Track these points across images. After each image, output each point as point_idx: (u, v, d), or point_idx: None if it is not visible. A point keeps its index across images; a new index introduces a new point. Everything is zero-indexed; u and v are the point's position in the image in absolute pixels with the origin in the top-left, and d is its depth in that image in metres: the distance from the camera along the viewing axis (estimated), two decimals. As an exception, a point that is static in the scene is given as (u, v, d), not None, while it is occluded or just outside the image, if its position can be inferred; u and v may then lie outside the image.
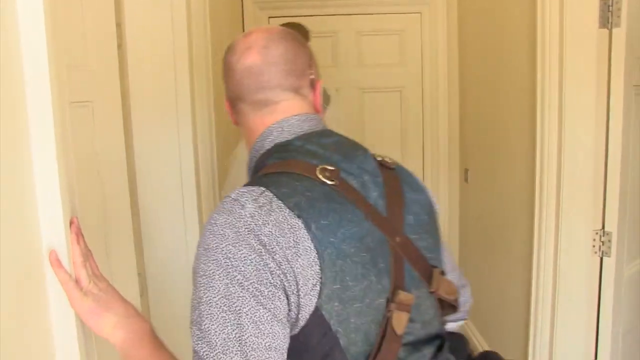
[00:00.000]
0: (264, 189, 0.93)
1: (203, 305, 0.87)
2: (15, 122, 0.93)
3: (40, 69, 0.95)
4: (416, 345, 1.01)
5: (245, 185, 0.97)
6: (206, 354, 0.85)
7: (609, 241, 2.22)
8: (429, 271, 1.06)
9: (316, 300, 0.89)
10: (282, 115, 1.08)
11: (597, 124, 2.24)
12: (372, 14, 3.95)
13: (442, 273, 1.09)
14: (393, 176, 1.10)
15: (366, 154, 1.11)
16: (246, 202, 0.91)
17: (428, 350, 1.04)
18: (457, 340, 1.18)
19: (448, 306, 1.10)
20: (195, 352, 0.87)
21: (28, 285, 0.96)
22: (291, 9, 3.91)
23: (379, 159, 1.13)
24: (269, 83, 1.08)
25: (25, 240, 0.95)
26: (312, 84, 1.15)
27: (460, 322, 1.27)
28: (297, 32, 1.18)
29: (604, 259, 2.25)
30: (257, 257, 0.87)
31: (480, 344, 3.57)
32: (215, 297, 0.86)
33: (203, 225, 0.94)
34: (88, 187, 1.69)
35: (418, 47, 4.00)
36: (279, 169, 0.99)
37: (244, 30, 3.79)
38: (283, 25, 1.20)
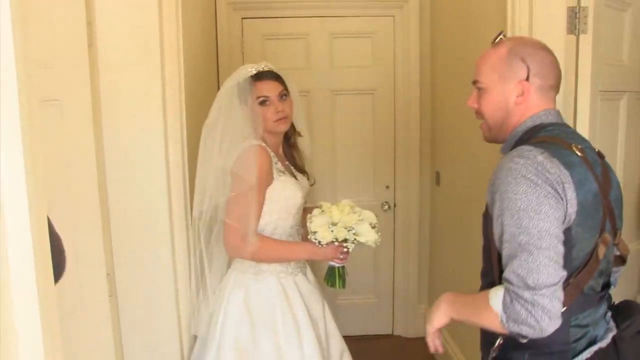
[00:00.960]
0: (543, 150, 1.43)
1: (522, 212, 1.38)
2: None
3: (7, 66, 0.94)
4: (600, 273, 1.52)
5: (529, 145, 1.47)
6: (527, 241, 1.36)
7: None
8: (615, 230, 1.56)
9: (571, 223, 1.41)
10: (552, 105, 1.62)
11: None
12: (344, 16, 3.95)
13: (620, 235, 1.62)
14: (604, 162, 1.60)
15: (589, 143, 1.62)
16: (537, 154, 1.42)
17: (603, 281, 1.55)
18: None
19: (619, 260, 1.64)
20: (522, 242, 1.37)
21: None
22: (265, 10, 3.90)
23: (597, 149, 1.63)
24: (559, 81, 1.64)
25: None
26: None
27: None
28: None
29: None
30: (550, 185, 1.39)
31: (449, 345, 3.60)
32: (531, 205, 1.37)
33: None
34: (57, 186, 1.67)
35: (390, 50, 4.01)
36: (549, 139, 1.49)
37: (217, 31, 3.79)
38: None
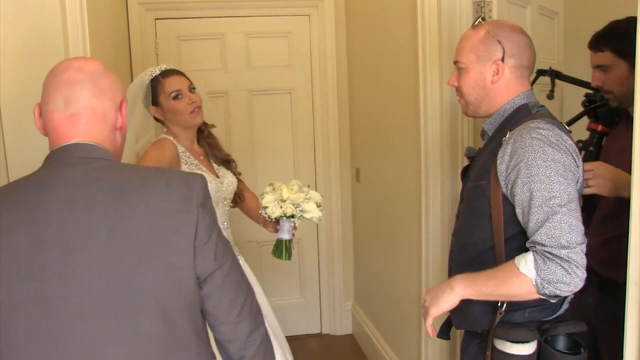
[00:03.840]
0: (553, 124, 1.57)
1: (553, 177, 1.48)
2: None
3: None
4: None
5: (539, 120, 1.57)
6: (559, 204, 1.47)
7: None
8: None
9: (578, 188, 1.57)
10: (528, 84, 1.74)
11: (475, 122, 2.34)
12: (260, 16, 3.92)
13: None
14: None
15: None
16: (554, 127, 1.55)
17: None
18: None
19: None
20: (553, 205, 1.47)
21: None
22: (178, 11, 3.82)
23: None
24: (533, 62, 1.74)
25: None
26: None
27: None
28: None
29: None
30: (569, 155, 1.53)
31: (376, 339, 3.64)
32: (559, 171, 1.49)
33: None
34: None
35: (307, 49, 4.02)
36: (548, 116, 1.62)
37: (129, 32, 3.68)
38: None
